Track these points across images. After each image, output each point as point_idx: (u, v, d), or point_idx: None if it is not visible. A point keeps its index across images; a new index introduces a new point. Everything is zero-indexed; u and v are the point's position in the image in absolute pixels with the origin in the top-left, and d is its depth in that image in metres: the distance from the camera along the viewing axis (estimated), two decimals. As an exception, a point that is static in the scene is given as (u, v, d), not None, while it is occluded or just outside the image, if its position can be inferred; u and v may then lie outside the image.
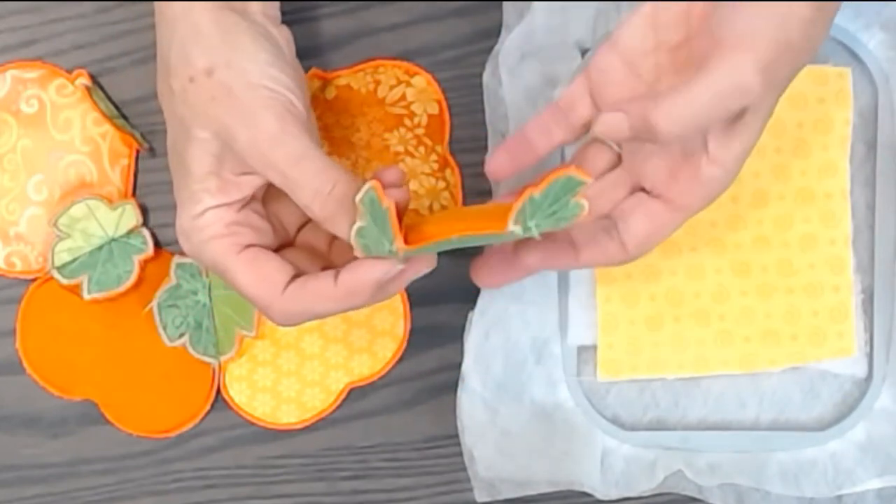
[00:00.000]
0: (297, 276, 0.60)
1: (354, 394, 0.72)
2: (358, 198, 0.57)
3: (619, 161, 0.64)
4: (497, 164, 0.63)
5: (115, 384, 0.72)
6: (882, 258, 0.71)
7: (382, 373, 0.72)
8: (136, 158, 0.72)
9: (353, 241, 0.58)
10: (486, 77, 0.70)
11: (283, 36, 0.64)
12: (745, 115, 0.58)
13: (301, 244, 0.65)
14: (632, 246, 0.62)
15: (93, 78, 0.71)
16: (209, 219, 0.60)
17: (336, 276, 0.59)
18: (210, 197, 0.60)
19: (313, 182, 0.58)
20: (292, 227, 0.65)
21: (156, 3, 0.62)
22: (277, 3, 0.64)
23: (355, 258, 0.59)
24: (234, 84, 0.59)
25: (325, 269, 0.61)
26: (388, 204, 0.56)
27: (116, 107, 0.71)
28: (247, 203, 0.61)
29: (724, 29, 0.57)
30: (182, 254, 0.71)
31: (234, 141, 0.59)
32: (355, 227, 0.57)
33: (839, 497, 0.70)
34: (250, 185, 0.60)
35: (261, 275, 0.60)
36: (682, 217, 0.61)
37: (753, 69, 0.56)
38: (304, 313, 0.60)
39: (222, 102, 0.59)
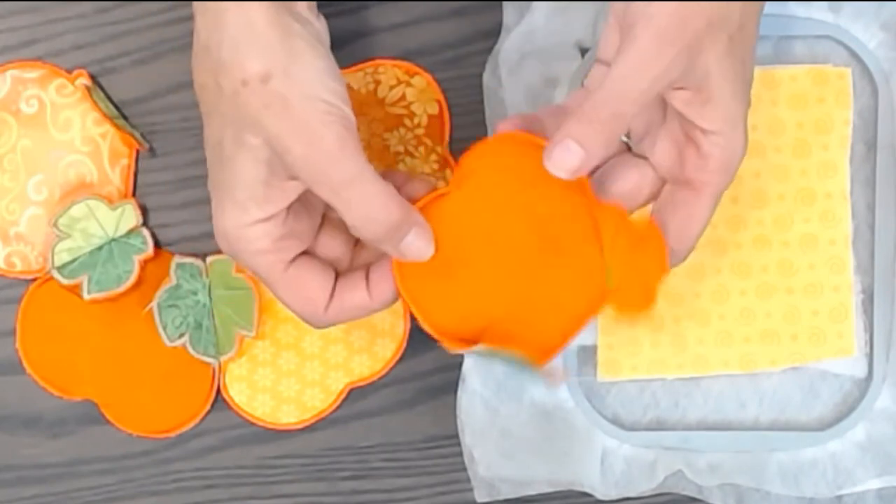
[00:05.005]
0: (336, 278, 0.61)
1: (354, 394, 0.72)
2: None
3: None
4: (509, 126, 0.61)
5: (115, 384, 0.72)
6: (882, 258, 0.71)
7: (382, 373, 0.72)
8: (136, 158, 0.72)
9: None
10: (486, 77, 0.70)
11: (324, 29, 0.61)
12: (709, 76, 0.57)
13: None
14: (670, 238, 0.60)
15: (93, 78, 0.71)
16: (257, 233, 0.58)
17: (369, 289, 0.60)
18: (257, 208, 0.57)
19: (366, 206, 0.57)
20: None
21: None
22: None
23: (381, 257, 0.60)
24: (291, 95, 0.55)
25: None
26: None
27: (116, 107, 0.71)
28: (291, 206, 0.59)
29: (626, 16, 0.57)
30: (182, 254, 0.71)
31: (286, 153, 0.56)
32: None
33: (839, 497, 0.70)
34: (296, 190, 0.58)
35: (305, 296, 0.60)
36: (708, 197, 0.59)
37: (654, 44, 0.55)
38: (342, 322, 0.62)
39: (277, 113, 0.55)
